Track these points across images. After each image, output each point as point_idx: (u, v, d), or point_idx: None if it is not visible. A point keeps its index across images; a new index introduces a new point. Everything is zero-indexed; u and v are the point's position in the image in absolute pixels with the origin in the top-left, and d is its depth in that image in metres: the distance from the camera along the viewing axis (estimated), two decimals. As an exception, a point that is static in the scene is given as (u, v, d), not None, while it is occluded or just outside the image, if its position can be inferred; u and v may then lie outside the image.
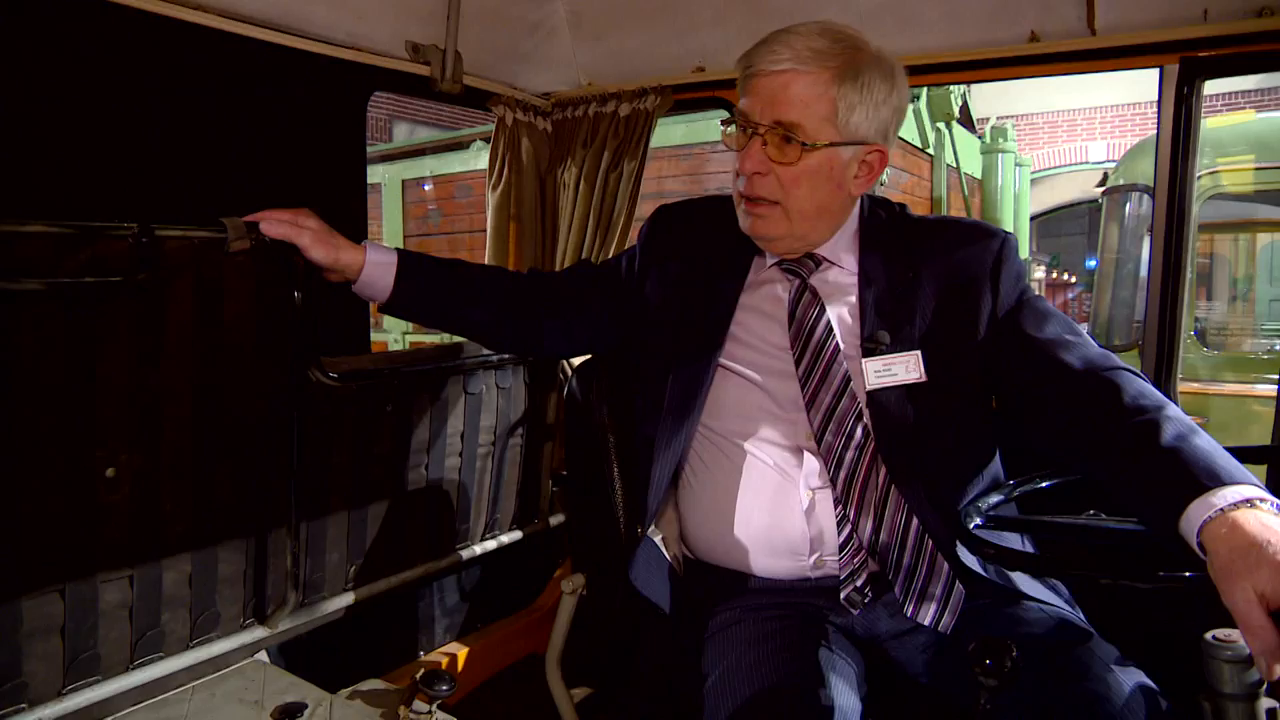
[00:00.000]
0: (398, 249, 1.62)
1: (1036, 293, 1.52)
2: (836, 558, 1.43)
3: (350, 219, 2.12)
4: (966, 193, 6.48)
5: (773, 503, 1.45)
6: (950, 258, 1.49)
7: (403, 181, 6.91)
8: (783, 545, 1.44)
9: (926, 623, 1.38)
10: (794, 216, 1.44)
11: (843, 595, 1.42)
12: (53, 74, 1.57)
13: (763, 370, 1.49)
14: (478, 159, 6.56)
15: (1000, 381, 1.45)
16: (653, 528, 1.56)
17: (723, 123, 1.49)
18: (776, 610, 1.40)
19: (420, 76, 2.22)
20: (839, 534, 1.42)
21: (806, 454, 1.44)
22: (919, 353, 1.44)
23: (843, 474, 1.42)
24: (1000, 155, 6.90)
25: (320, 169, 2.05)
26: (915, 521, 1.41)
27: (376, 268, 1.58)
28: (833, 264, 1.52)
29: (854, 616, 1.42)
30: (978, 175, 6.98)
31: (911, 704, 1.36)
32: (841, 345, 1.46)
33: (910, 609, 1.39)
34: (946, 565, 1.40)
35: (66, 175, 1.60)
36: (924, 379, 1.43)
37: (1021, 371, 1.41)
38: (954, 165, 6.25)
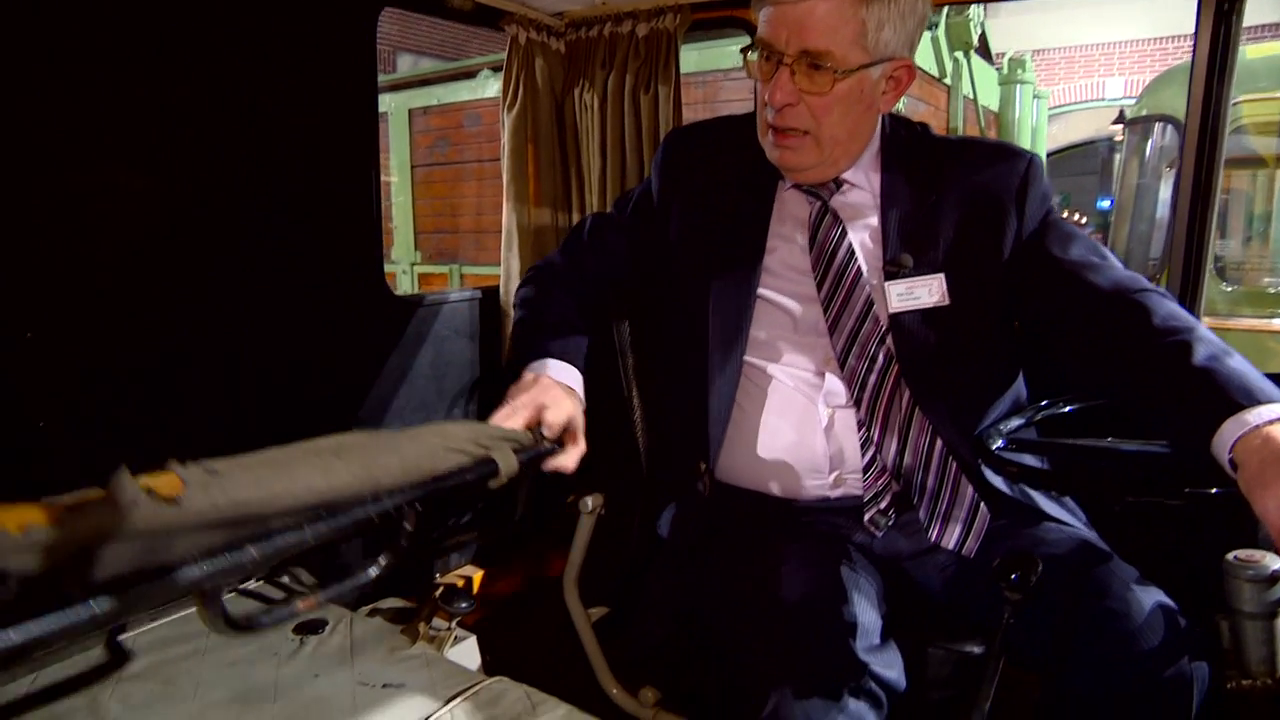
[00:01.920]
0: (574, 367, 1.47)
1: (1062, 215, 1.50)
2: (858, 478, 1.43)
3: (362, 145, 2.09)
4: (983, 125, 6.37)
5: (794, 422, 1.44)
6: (974, 178, 1.46)
7: (409, 110, 6.80)
8: (804, 464, 1.44)
9: (950, 546, 1.39)
10: (825, 144, 1.40)
11: (866, 518, 1.42)
12: None
13: (786, 294, 1.47)
14: (485, 87, 6.44)
15: (1025, 304, 1.43)
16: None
17: (743, 50, 1.45)
18: (797, 530, 1.41)
19: (432, -8, 2.17)
20: (863, 456, 1.42)
21: (829, 375, 1.44)
22: (942, 276, 1.42)
23: (866, 397, 1.41)
24: (1019, 86, 6.75)
25: (330, 92, 2.00)
26: (939, 444, 1.41)
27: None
28: (854, 185, 1.48)
29: (875, 537, 1.43)
30: (994, 108, 6.84)
31: (930, 621, 1.37)
32: (864, 268, 1.44)
33: (934, 533, 1.40)
34: (970, 488, 1.40)
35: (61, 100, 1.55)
36: (947, 302, 1.41)
37: (1047, 294, 1.39)
38: (971, 97, 6.12)
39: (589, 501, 1.60)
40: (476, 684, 1.37)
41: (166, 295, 1.73)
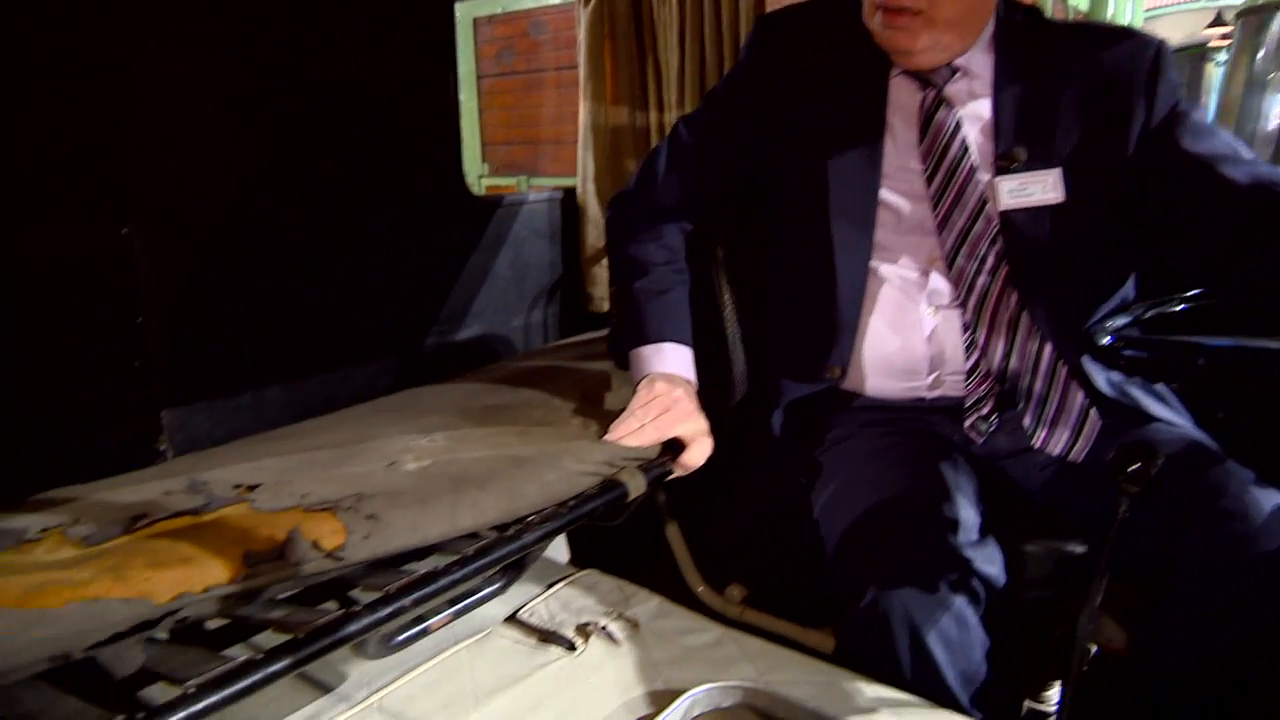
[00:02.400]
0: (681, 345, 1.46)
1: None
2: (958, 379, 1.39)
3: (440, 46, 2.05)
4: (1071, 26, 6.02)
5: (895, 322, 1.40)
6: (1097, 66, 1.35)
7: (474, 20, 6.68)
8: (901, 366, 1.40)
9: (1057, 452, 1.35)
10: (939, 25, 1.29)
11: (967, 424, 1.39)
12: None
13: (894, 191, 1.40)
14: (551, -9, 6.30)
15: (1150, 200, 1.34)
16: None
17: None
18: (891, 427, 1.38)
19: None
20: (966, 360, 1.38)
21: (934, 274, 1.38)
22: (1059, 170, 1.34)
23: (973, 299, 1.36)
24: (1112, -18, 6.36)
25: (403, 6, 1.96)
26: (1049, 348, 1.35)
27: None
28: (966, 72, 1.38)
29: (975, 443, 1.40)
30: (1084, 7, 6.47)
31: (1028, 520, 1.34)
32: (976, 162, 1.36)
33: (1040, 438, 1.35)
34: (1080, 393, 1.35)
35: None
36: (1063, 199, 1.33)
37: (1176, 188, 1.30)
38: (1058, -5, 5.79)
39: (678, 400, 1.58)
40: (570, 575, 1.38)
41: (253, 193, 1.73)
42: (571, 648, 1.22)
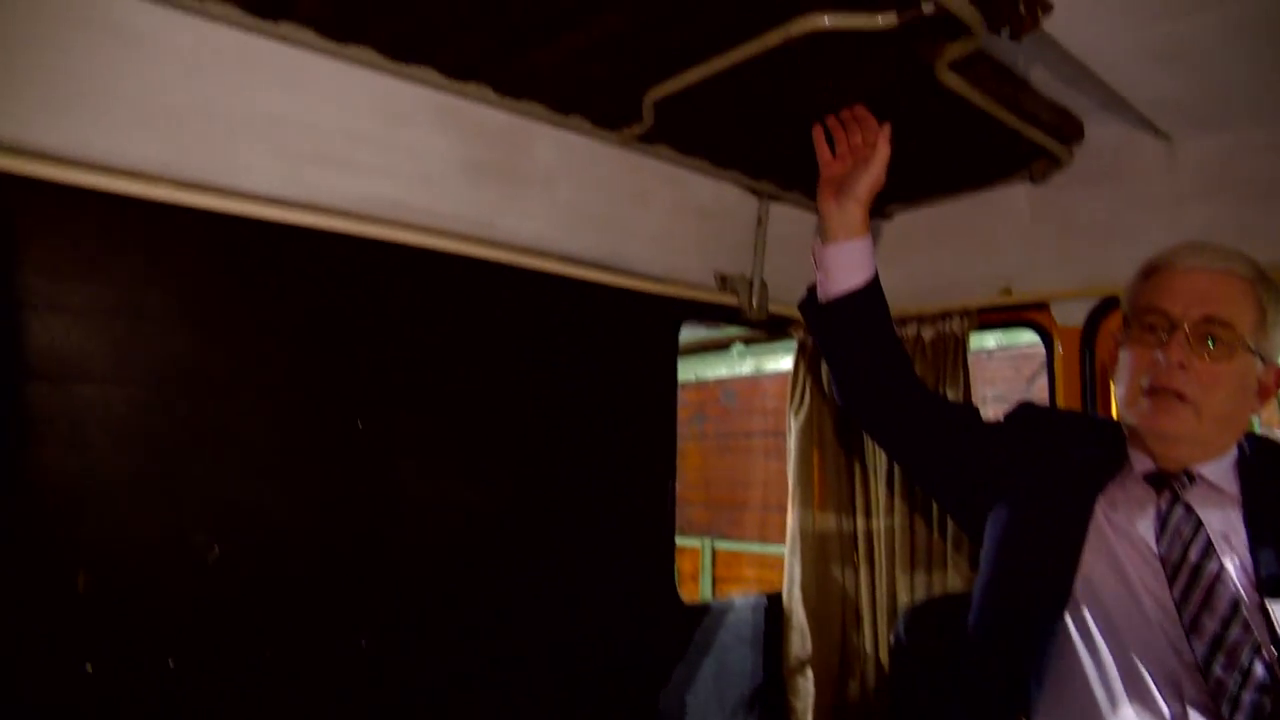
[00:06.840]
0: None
1: None
2: None
3: (661, 456, 2.17)
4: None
5: None
6: None
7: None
8: None
9: None
10: (1205, 419, 1.32)
11: None
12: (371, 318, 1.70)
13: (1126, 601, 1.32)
14: (741, 363, 6.66)
15: None
16: None
17: (1124, 322, 1.43)
18: None
19: (728, 307, 2.28)
20: None
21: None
22: None
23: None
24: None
25: (634, 408, 2.12)
26: None
27: (862, 253, 1.62)
28: (1210, 484, 1.35)
29: None
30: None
31: None
32: (1235, 581, 1.27)
33: None
34: None
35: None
36: None
37: None
38: None
39: None
40: None
41: (482, 594, 1.81)
42: None
